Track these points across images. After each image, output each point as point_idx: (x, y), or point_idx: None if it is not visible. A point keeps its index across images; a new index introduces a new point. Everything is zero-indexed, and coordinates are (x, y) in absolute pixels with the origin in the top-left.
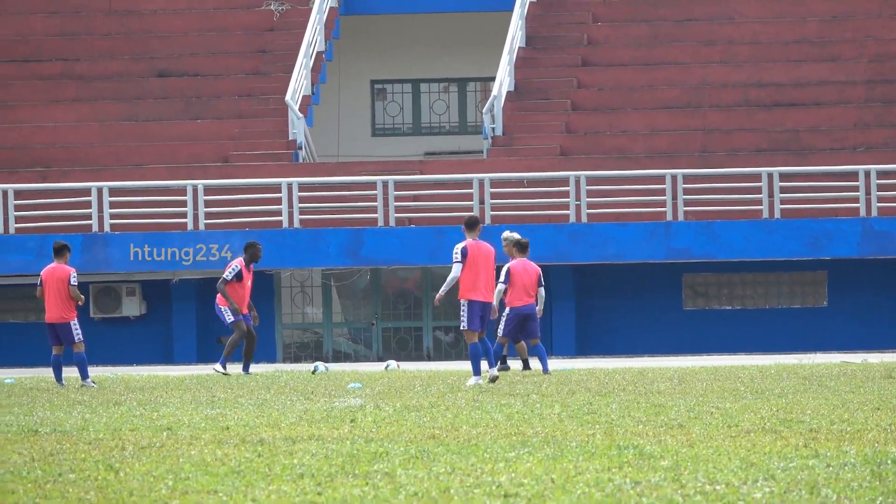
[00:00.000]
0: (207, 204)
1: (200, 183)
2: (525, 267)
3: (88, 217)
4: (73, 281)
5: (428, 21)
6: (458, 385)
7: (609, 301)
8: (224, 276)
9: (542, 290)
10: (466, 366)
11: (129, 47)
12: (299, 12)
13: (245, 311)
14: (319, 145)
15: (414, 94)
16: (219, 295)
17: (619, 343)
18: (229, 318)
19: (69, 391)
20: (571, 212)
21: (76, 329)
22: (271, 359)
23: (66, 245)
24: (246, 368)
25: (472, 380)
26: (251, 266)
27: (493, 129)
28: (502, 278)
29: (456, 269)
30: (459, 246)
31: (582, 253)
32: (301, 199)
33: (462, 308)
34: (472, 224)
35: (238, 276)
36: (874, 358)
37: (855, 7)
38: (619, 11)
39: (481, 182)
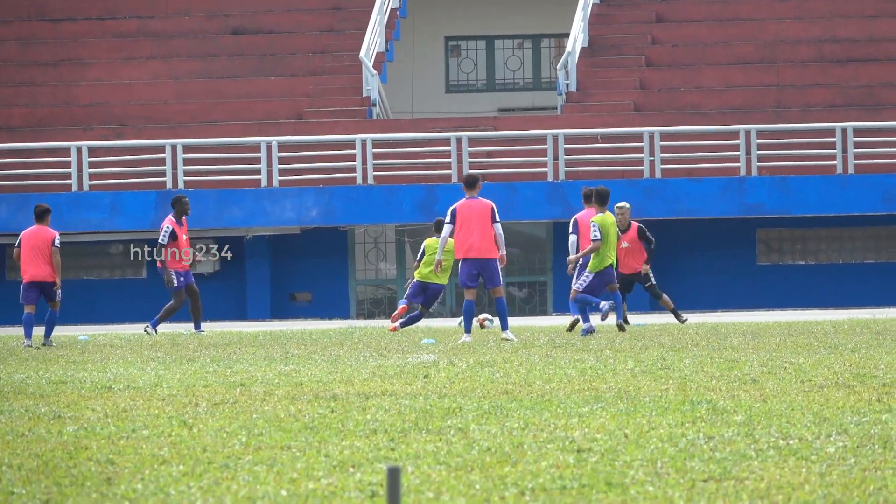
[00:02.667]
0: (281, 161)
1: (274, 140)
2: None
3: (163, 174)
4: (57, 243)
5: None
6: (531, 341)
7: (683, 257)
8: (160, 240)
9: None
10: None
11: (204, 5)
12: None
13: (187, 266)
14: (393, 102)
15: (488, 51)
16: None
17: (692, 298)
18: (174, 283)
19: (143, 348)
20: (646, 167)
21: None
22: (345, 315)
23: (48, 208)
24: (197, 326)
25: (465, 337)
26: (183, 220)
27: (567, 85)
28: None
29: (446, 230)
30: (452, 207)
31: (656, 209)
32: (375, 156)
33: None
34: (470, 182)
35: (173, 236)
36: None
37: None
38: None
39: (555, 138)
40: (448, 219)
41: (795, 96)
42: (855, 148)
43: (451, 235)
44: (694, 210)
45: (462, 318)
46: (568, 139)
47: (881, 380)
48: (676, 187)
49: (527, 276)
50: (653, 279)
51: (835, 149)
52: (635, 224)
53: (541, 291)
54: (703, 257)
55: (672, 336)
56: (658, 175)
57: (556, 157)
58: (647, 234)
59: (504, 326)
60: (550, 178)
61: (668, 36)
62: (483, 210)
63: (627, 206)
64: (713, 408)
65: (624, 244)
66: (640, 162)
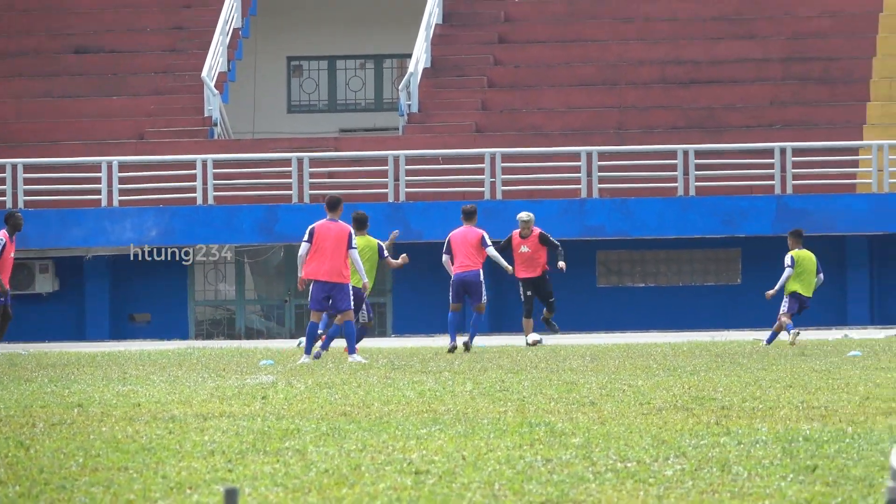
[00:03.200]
0: (122, 181)
1: (115, 159)
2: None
3: (3, 194)
4: None
5: None
6: (370, 362)
7: None
8: None
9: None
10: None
11: (46, 23)
12: None
13: (7, 285)
14: (235, 122)
15: (330, 71)
16: None
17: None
18: None
19: None
20: (486, 189)
21: None
22: (184, 335)
23: None
24: None
25: (303, 358)
26: (14, 237)
27: (409, 105)
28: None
29: (302, 248)
30: (311, 226)
31: (497, 230)
32: (216, 176)
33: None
34: (332, 204)
35: (3, 249)
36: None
37: None
38: None
39: (396, 159)
40: (305, 237)
41: (637, 118)
42: (696, 170)
43: (306, 254)
44: None
45: (304, 338)
46: (409, 160)
47: (720, 402)
48: (517, 209)
49: (369, 297)
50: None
51: (676, 171)
52: (537, 230)
53: (380, 313)
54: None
55: (511, 358)
56: (499, 196)
57: (396, 178)
58: (550, 239)
59: (351, 350)
60: (391, 199)
61: (511, 57)
62: (340, 234)
63: (530, 216)
64: (551, 430)
65: (523, 248)
66: (481, 183)
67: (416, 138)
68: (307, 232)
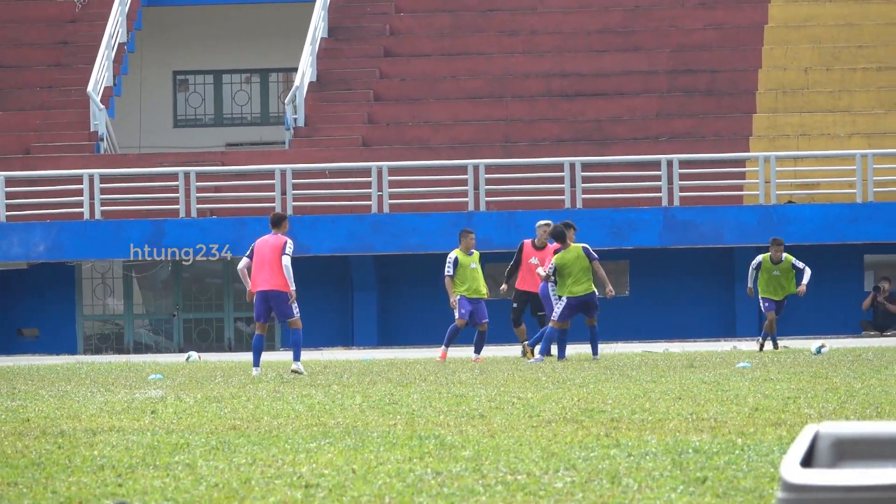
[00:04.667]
0: (8, 196)
1: (2, 175)
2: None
3: None
4: None
5: (230, 12)
6: (258, 376)
7: (411, 291)
8: None
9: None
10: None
11: None
12: (101, 3)
13: None
14: (121, 137)
15: (216, 85)
16: None
17: (422, 333)
18: None
19: None
20: (373, 202)
21: None
22: (72, 350)
23: None
24: None
25: (254, 371)
26: None
27: (295, 119)
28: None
29: (240, 263)
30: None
31: (384, 243)
32: (103, 191)
33: None
34: (275, 221)
35: None
36: (676, 347)
37: None
38: (422, 2)
39: (283, 173)
40: (247, 252)
41: (524, 131)
42: (583, 183)
43: (245, 268)
44: (422, 245)
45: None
46: (296, 174)
47: (609, 414)
48: (404, 222)
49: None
50: None
51: (563, 183)
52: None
53: (271, 326)
54: (431, 292)
55: (400, 371)
56: (386, 210)
57: (283, 192)
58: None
59: (296, 357)
60: None
61: (397, 70)
62: (276, 244)
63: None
64: (441, 443)
65: (534, 259)
66: (368, 197)
67: (303, 152)
68: (249, 248)
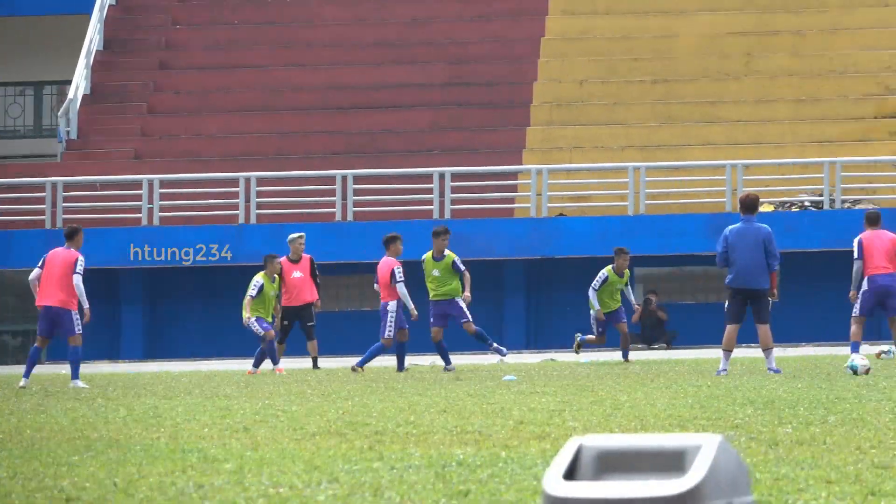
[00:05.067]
0: None
1: None
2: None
3: None
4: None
5: (3, 24)
6: (23, 388)
7: (177, 304)
8: None
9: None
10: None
11: None
12: None
13: None
14: None
15: None
16: None
17: (187, 346)
18: None
19: None
20: (144, 215)
21: None
22: None
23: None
24: None
25: (23, 381)
26: None
27: (69, 132)
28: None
29: (32, 273)
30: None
31: (152, 257)
32: None
33: None
34: (68, 234)
35: None
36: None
37: (434, 11)
38: (199, 15)
39: (54, 185)
40: (39, 263)
41: (298, 143)
42: (355, 195)
43: (35, 279)
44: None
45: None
46: (68, 187)
47: (373, 427)
48: (174, 234)
49: (21, 323)
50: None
51: (335, 196)
52: (307, 256)
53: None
54: (198, 304)
55: (165, 384)
56: (156, 222)
57: (54, 205)
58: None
59: (74, 375)
60: (48, 226)
61: (171, 83)
62: (67, 260)
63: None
64: (204, 456)
65: (296, 273)
66: (139, 210)
67: (76, 165)
68: (42, 259)
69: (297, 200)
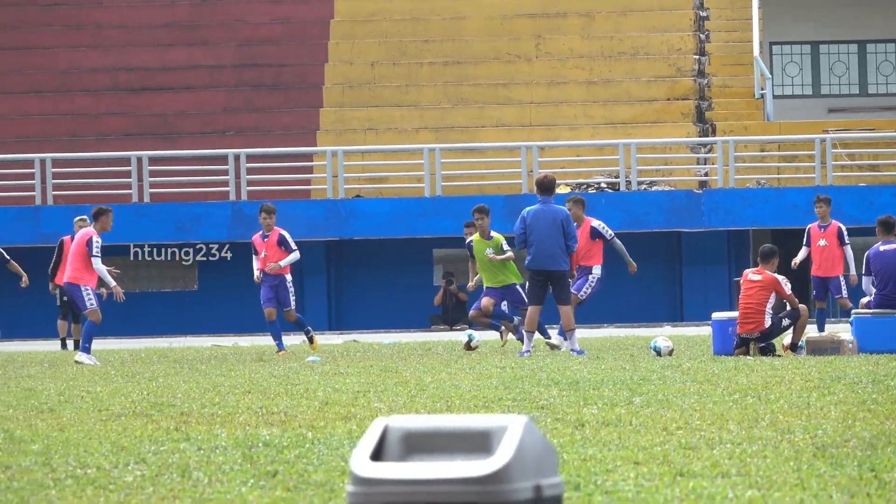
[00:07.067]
0: None
1: None
2: None
3: None
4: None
5: None
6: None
7: None
8: None
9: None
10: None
11: None
12: None
13: None
14: None
15: None
16: None
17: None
18: None
19: None
20: None
21: None
22: None
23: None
24: None
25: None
26: None
27: None
28: None
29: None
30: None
31: None
32: None
33: None
34: (94, 215)
35: None
36: (245, 341)
37: None
38: None
39: None
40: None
41: (90, 125)
42: (150, 177)
43: None
44: None
45: None
46: None
47: (179, 408)
48: None
49: None
50: None
51: (130, 177)
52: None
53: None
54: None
55: None
56: None
57: None
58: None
59: (82, 349)
60: None
61: None
62: (81, 239)
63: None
64: (10, 437)
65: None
66: None
67: None
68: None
69: (93, 181)
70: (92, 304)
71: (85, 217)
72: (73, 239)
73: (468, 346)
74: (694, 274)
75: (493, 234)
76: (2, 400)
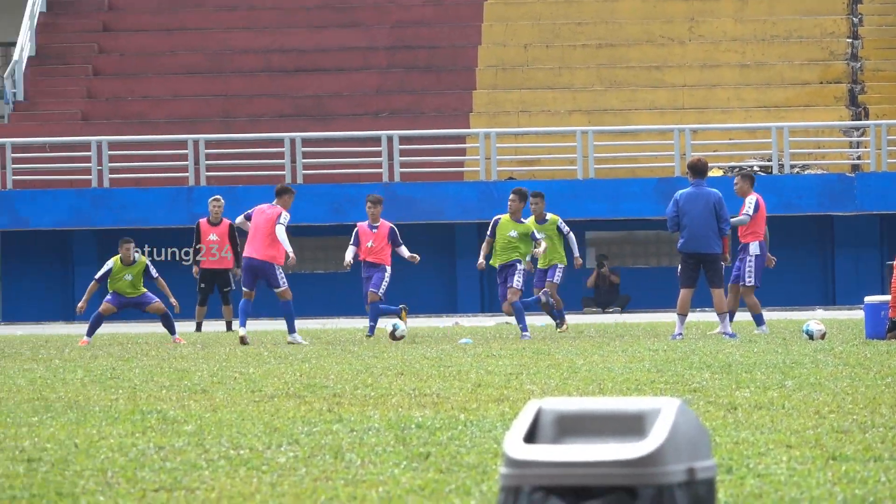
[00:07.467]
0: None
1: None
2: None
3: None
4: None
5: None
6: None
7: None
8: None
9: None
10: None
11: None
12: None
13: None
14: None
15: None
16: None
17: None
18: None
19: None
20: (93, 177)
21: None
22: None
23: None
24: None
25: (241, 330)
26: None
27: (15, 94)
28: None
29: (238, 218)
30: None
31: (104, 218)
32: None
33: None
34: (278, 192)
35: None
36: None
37: None
38: None
39: (2, 147)
40: (245, 213)
41: (243, 106)
42: (304, 158)
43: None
44: (142, 219)
45: None
46: (16, 148)
47: (331, 390)
48: (124, 196)
49: None
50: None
51: (283, 159)
52: (227, 220)
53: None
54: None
55: (122, 346)
56: (106, 184)
57: (3, 166)
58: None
59: (291, 329)
60: None
61: (116, 45)
62: (271, 215)
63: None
64: (163, 418)
65: (213, 236)
66: (88, 171)
67: (23, 126)
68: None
69: (245, 163)
70: (285, 283)
71: (219, 196)
72: (208, 222)
73: (393, 336)
74: (846, 257)
75: (548, 216)
76: (155, 381)
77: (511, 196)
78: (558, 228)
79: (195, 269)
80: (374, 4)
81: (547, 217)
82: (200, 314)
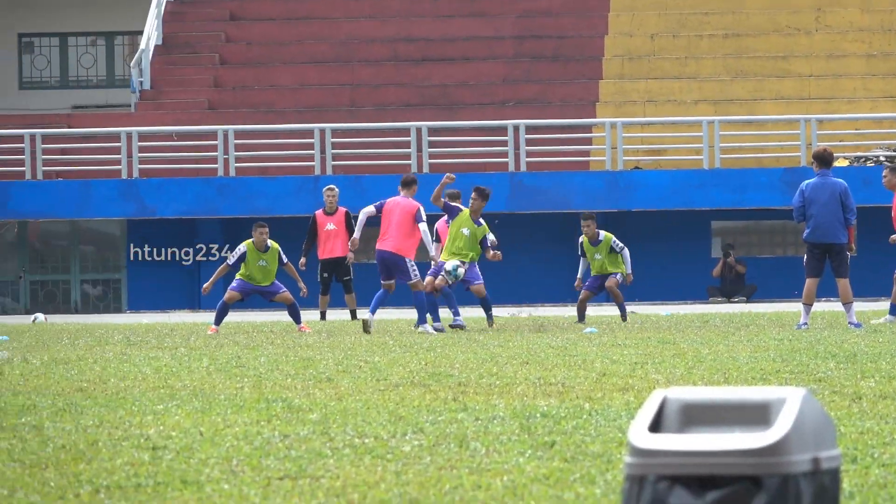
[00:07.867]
0: None
1: None
2: None
3: None
4: None
5: None
6: (105, 338)
7: None
8: None
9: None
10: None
11: None
12: None
13: None
14: None
15: (62, 48)
16: None
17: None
18: None
19: None
20: (219, 165)
21: None
22: None
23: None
24: None
25: (369, 316)
26: None
27: (141, 83)
28: None
29: (366, 209)
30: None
31: (230, 206)
32: None
33: None
34: (405, 183)
35: None
36: (523, 312)
37: None
38: None
39: (129, 136)
40: (377, 204)
41: (370, 95)
42: (430, 147)
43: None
44: (269, 208)
45: None
46: (142, 137)
47: (456, 378)
48: (251, 185)
49: (101, 273)
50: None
51: (410, 148)
52: (342, 209)
53: (115, 289)
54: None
55: (247, 334)
56: (233, 173)
57: (129, 155)
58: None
59: (421, 320)
60: (124, 176)
61: (242, 34)
62: (408, 209)
63: (329, 188)
64: (288, 406)
65: (330, 226)
66: (214, 160)
67: (149, 115)
68: (380, 202)
69: (371, 152)
70: (416, 275)
71: (333, 186)
72: (324, 212)
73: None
74: None
75: (601, 234)
76: (281, 369)
77: (472, 195)
78: (611, 247)
79: (302, 260)
80: None
81: (601, 237)
82: (324, 303)
